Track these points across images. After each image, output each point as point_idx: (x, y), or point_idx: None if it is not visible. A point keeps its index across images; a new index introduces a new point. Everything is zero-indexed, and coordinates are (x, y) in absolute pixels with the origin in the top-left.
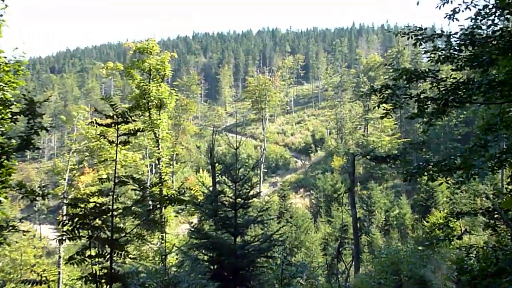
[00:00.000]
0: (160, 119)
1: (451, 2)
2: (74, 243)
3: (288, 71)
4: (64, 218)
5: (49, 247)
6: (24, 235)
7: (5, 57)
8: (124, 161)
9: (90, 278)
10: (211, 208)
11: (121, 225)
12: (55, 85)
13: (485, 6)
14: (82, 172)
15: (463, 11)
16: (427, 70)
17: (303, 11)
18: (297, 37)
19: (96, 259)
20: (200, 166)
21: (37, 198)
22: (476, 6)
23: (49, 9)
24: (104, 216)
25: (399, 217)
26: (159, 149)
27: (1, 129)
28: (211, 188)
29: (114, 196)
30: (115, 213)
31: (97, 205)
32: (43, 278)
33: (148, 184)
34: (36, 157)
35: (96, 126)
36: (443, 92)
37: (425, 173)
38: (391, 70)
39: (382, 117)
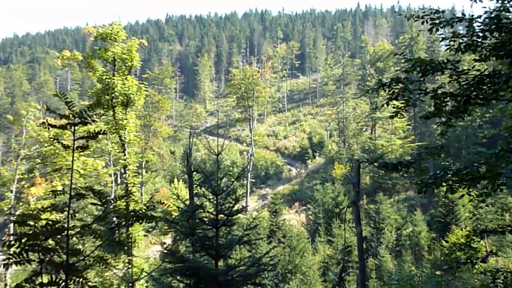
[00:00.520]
0: (126, 119)
1: None
2: (23, 268)
3: (280, 61)
4: (11, 238)
5: None
6: None
7: None
8: (83, 169)
9: None
10: (187, 226)
11: (79, 247)
12: (0, 78)
13: None
14: (33, 183)
15: None
16: (445, 60)
17: None
18: (290, 21)
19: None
20: (174, 176)
21: None
22: None
23: None
24: (59, 236)
25: (413, 236)
26: (125, 155)
27: None
28: (187, 202)
29: (71, 212)
30: (71, 232)
31: (50, 222)
32: None
33: (112, 197)
34: None
35: (49, 128)
36: (465, 86)
37: (444, 184)
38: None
39: (392, 117)
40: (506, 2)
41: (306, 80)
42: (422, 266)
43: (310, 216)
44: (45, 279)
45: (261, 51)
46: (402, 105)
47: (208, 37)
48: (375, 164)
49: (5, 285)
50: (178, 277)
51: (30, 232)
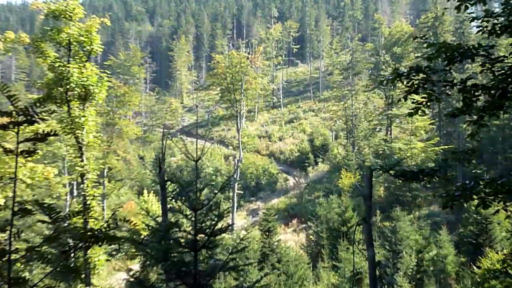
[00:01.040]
0: (84, 116)
1: None
2: None
3: (275, 45)
4: None
5: None
6: None
7: None
8: (31, 178)
9: None
10: (159, 249)
11: (25, 274)
12: None
13: None
14: None
15: None
16: (476, 45)
17: None
18: None
19: None
20: (144, 186)
21: None
22: None
23: None
24: None
25: (437, 260)
26: (82, 160)
27: None
28: (159, 219)
29: (14, 231)
30: (14, 256)
31: None
32: None
33: (67, 212)
34: None
35: None
36: (500, 77)
37: (475, 197)
38: (424, 45)
39: (411, 114)
40: None
41: (306, 69)
42: None
43: (311, 236)
44: None
45: (251, 33)
46: (423, 100)
47: (185, 16)
48: (391, 172)
49: None
50: None
51: None
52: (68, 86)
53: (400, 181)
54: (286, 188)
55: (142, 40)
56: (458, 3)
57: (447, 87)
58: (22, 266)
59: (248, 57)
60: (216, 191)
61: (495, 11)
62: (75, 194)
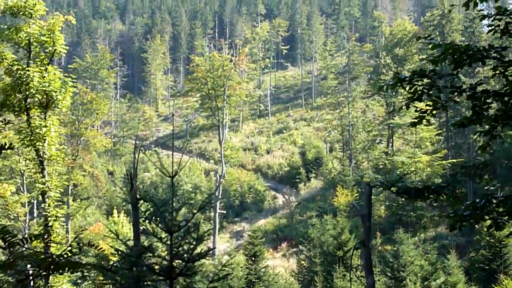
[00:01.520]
0: (46, 126)
1: None
2: None
3: (262, 46)
4: None
5: None
6: None
7: None
8: None
9: None
10: (130, 276)
11: None
12: None
13: None
14: None
15: None
16: (487, 46)
17: None
18: None
19: None
20: (114, 206)
21: None
22: None
23: None
24: None
25: None
26: (44, 176)
27: None
28: (131, 243)
29: None
30: None
31: None
32: None
33: (25, 236)
34: None
35: None
36: None
37: (487, 217)
38: (429, 47)
39: (414, 124)
40: None
41: (297, 73)
42: None
43: (303, 262)
44: None
45: (235, 33)
46: (428, 108)
47: (161, 13)
48: (392, 189)
49: None
50: None
51: None
52: (27, 92)
53: (403, 199)
54: (274, 208)
55: (112, 40)
56: (466, 0)
57: (455, 94)
58: None
59: (231, 60)
60: (195, 211)
61: (508, 8)
62: (35, 214)
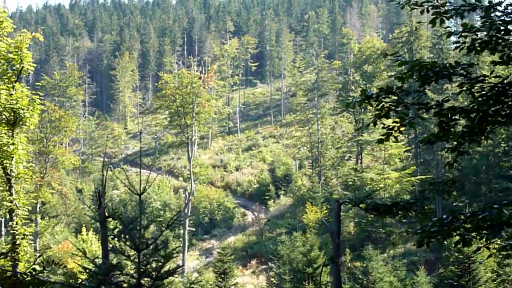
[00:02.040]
0: (13, 144)
1: None
2: None
3: (231, 63)
4: None
5: None
6: None
7: None
8: None
9: None
10: None
11: None
12: None
13: None
14: None
15: None
16: (454, 63)
17: None
18: (244, 7)
19: None
20: (82, 223)
21: None
22: None
23: None
24: None
25: None
26: (11, 194)
27: None
28: (99, 261)
29: None
30: None
31: None
32: None
33: None
34: None
35: None
36: (481, 99)
37: (455, 233)
38: (397, 63)
39: (381, 141)
40: None
41: (266, 90)
42: None
43: (273, 279)
44: None
45: (203, 50)
46: (395, 124)
47: (130, 30)
48: (361, 206)
49: None
50: None
51: None
52: None
53: (372, 215)
54: (244, 225)
55: (80, 58)
56: (433, 16)
57: (422, 110)
58: None
59: (200, 77)
60: (163, 228)
61: (475, 26)
62: (2, 232)
